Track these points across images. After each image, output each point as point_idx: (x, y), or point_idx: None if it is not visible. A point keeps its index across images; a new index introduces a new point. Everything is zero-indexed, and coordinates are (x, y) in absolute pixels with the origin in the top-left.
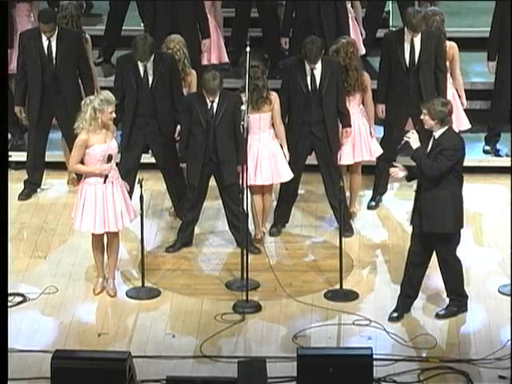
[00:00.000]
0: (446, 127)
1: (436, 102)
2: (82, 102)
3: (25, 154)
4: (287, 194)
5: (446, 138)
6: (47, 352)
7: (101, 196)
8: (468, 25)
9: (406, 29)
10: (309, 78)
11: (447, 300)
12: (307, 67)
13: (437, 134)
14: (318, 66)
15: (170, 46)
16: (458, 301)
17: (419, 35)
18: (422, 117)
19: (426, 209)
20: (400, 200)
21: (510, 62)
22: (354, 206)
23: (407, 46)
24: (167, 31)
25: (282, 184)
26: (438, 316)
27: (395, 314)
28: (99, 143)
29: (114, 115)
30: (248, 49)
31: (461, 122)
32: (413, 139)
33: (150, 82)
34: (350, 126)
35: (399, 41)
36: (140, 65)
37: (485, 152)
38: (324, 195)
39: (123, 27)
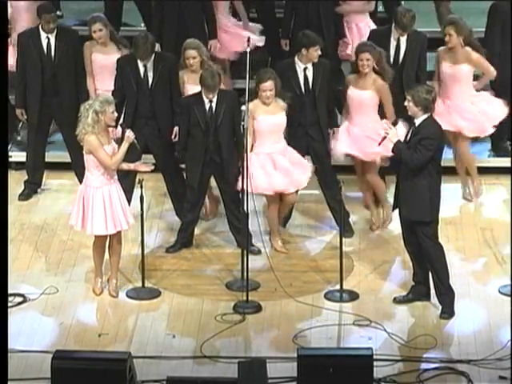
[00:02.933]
0: (428, 115)
1: (421, 89)
2: (82, 108)
3: (25, 154)
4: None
5: (425, 126)
6: (47, 352)
7: (108, 197)
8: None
9: (393, 27)
10: (302, 80)
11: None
12: (299, 69)
13: (418, 121)
14: (310, 67)
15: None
16: (447, 296)
17: (406, 35)
18: (405, 103)
19: (404, 197)
20: None
21: (510, 62)
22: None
23: (393, 44)
24: (174, 31)
25: None
26: (442, 317)
27: (400, 297)
28: (106, 144)
29: (115, 115)
30: (248, 49)
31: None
32: (391, 134)
33: (150, 82)
34: (337, 126)
35: (385, 38)
36: (140, 65)
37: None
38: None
39: (123, 27)
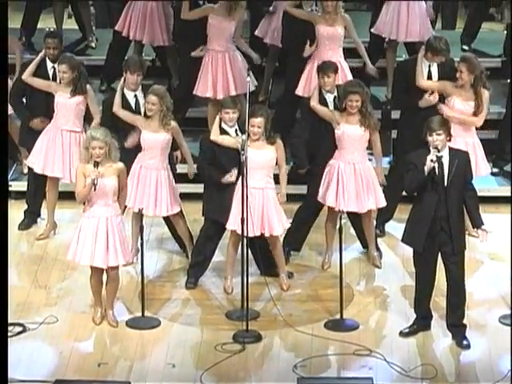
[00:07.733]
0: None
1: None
2: None
3: (25, 183)
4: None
5: (467, 163)
6: (47, 382)
7: (91, 230)
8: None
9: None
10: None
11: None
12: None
13: (445, 152)
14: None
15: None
16: (465, 327)
17: (435, 63)
18: (436, 137)
19: (456, 233)
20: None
21: (509, 69)
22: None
23: (425, 72)
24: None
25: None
26: (465, 347)
27: (406, 330)
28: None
29: (97, 152)
30: (248, 78)
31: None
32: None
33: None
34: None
35: (415, 68)
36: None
37: (493, 174)
38: (323, 225)
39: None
